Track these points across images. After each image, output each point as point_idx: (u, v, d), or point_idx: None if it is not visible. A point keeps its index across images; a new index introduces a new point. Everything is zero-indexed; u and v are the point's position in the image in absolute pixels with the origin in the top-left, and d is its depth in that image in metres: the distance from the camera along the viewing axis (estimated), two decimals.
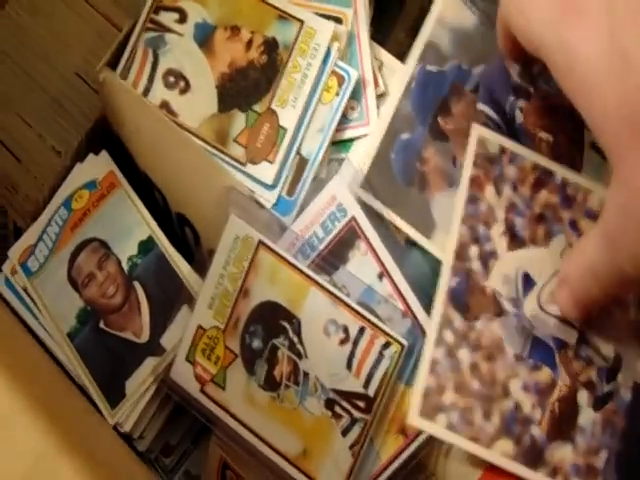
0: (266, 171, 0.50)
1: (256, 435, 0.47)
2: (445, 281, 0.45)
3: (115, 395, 0.52)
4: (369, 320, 0.45)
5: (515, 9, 0.41)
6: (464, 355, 0.44)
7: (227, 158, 0.51)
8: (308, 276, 0.47)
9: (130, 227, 0.54)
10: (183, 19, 0.53)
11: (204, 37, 0.53)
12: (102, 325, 0.53)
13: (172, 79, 0.53)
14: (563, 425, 0.44)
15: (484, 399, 0.44)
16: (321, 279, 0.46)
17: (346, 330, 0.46)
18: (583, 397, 0.44)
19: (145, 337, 0.52)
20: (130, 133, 0.54)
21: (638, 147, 0.36)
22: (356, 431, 0.45)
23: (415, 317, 0.46)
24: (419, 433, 0.44)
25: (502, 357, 0.44)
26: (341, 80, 0.50)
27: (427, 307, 0.46)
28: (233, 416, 0.48)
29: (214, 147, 0.51)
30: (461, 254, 0.46)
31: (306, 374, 0.46)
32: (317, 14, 0.51)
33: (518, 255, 0.46)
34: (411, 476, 0.46)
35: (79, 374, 0.53)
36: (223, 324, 0.48)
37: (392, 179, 0.48)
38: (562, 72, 0.39)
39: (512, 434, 0.43)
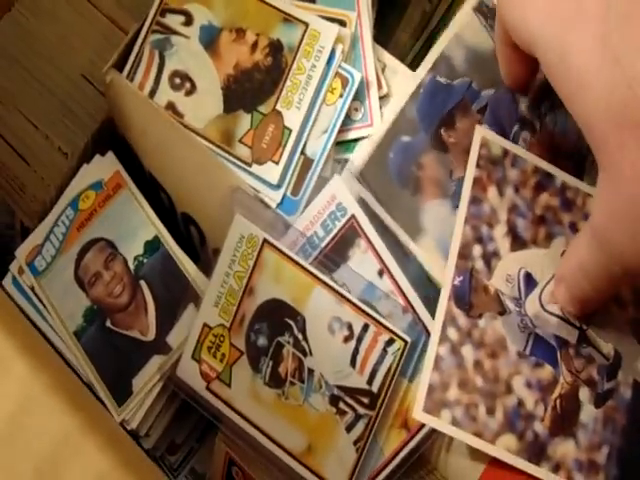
0: (271, 171, 0.50)
1: (261, 431, 0.48)
2: (449, 280, 0.46)
3: (122, 393, 0.52)
4: (373, 317, 0.46)
5: (513, 5, 0.42)
6: (468, 352, 0.45)
7: (232, 158, 0.51)
8: (312, 274, 0.47)
9: (136, 227, 0.54)
10: (189, 21, 0.54)
11: (210, 39, 0.53)
12: (109, 324, 0.54)
13: (178, 81, 0.53)
14: (565, 421, 0.45)
15: (487, 395, 0.44)
16: (325, 277, 0.47)
17: (350, 327, 0.46)
18: (584, 394, 0.45)
19: (151, 335, 0.53)
20: (136, 134, 0.54)
21: (625, 146, 0.36)
22: (360, 427, 0.46)
23: (416, 313, 0.46)
24: (421, 427, 0.45)
25: (505, 354, 0.45)
26: (345, 82, 0.51)
27: (427, 303, 0.46)
28: (239, 413, 0.48)
29: (220, 147, 0.51)
30: (464, 253, 0.46)
31: (311, 371, 0.47)
32: (321, 17, 0.52)
33: (520, 255, 0.47)
34: (413, 470, 0.46)
35: (86, 372, 0.53)
36: (229, 322, 0.49)
37: (387, 177, 0.49)
38: (554, 70, 0.39)
39: (515, 430, 0.44)
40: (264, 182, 0.50)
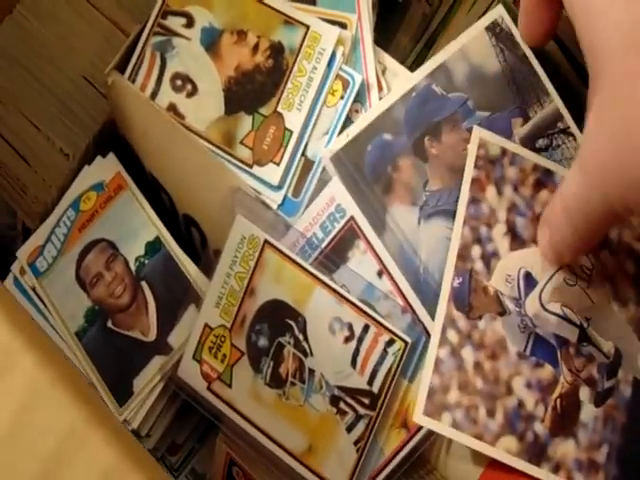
0: (272, 172, 0.51)
1: (262, 432, 0.48)
2: (448, 281, 0.46)
3: (123, 393, 0.52)
4: (373, 318, 0.46)
5: None
6: (468, 354, 0.45)
7: (234, 160, 0.51)
8: (313, 275, 0.47)
9: (137, 228, 0.55)
10: (190, 23, 0.54)
11: (211, 41, 0.53)
12: (110, 324, 0.54)
13: (179, 82, 0.53)
14: (565, 421, 0.45)
15: (488, 397, 0.45)
16: (326, 278, 0.47)
17: (351, 328, 0.47)
18: (585, 393, 0.45)
19: (152, 336, 0.53)
20: (138, 135, 0.55)
21: (630, 66, 0.37)
22: (361, 427, 0.46)
23: (415, 313, 0.46)
24: (421, 427, 0.45)
25: (505, 355, 0.45)
26: (346, 84, 0.51)
27: (426, 303, 0.47)
28: (239, 413, 0.48)
29: (221, 149, 0.52)
30: (463, 255, 0.46)
31: (311, 371, 0.47)
32: (322, 19, 0.52)
33: (520, 255, 0.47)
34: (413, 470, 0.47)
35: (87, 372, 0.54)
36: (230, 323, 0.49)
37: (361, 169, 0.48)
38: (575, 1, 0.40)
39: (516, 431, 0.44)
40: (265, 183, 0.51)
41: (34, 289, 0.57)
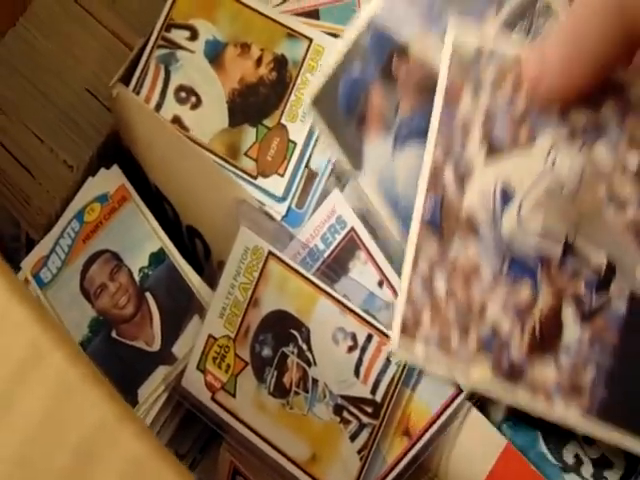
0: (276, 184, 0.51)
1: (266, 441, 0.48)
2: (419, 208, 0.43)
3: (127, 402, 0.52)
4: (376, 327, 0.46)
5: None
6: (440, 282, 0.43)
7: (238, 171, 0.52)
8: (317, 286, 0.48)
9: (141, 239, 0.55)
10: (194, 36, 0.55)
11: (215, 54, 0.54)
12: (114, 334, 0.54)
13: (183, 95, 0.54)
14: (545, 345, 0.41)
15: (461, 325, 0.42)
16: (329, 288, 0.48)
17: (354, 337, 0.47)
18: (568, 313, 0.41)
19: (157, 346, 0.53)
20: (142, 147, 0.55)
21: None
22: (364, 436, 0.46)
23: None
24: (423, 434, 0.45)
25: (479, 280, 0.42)
26: None
27: None
28: (243, 423, 0.48)
29: (225, 161, 0.52)
30: (434, 179, 0.43)
31: (315, 381, 0.47)
32: (325, 33, 0.53)
33: (496, 169, 0.42)
34: (415, 478, 0.47)
35: None
36: (234, 333, 0.49)
37: (335, 103, 0.46)
38: None
39: (490, 357, 0.42)
40: (269, 195, 0.51)
41: (38, 300, 0.57)
